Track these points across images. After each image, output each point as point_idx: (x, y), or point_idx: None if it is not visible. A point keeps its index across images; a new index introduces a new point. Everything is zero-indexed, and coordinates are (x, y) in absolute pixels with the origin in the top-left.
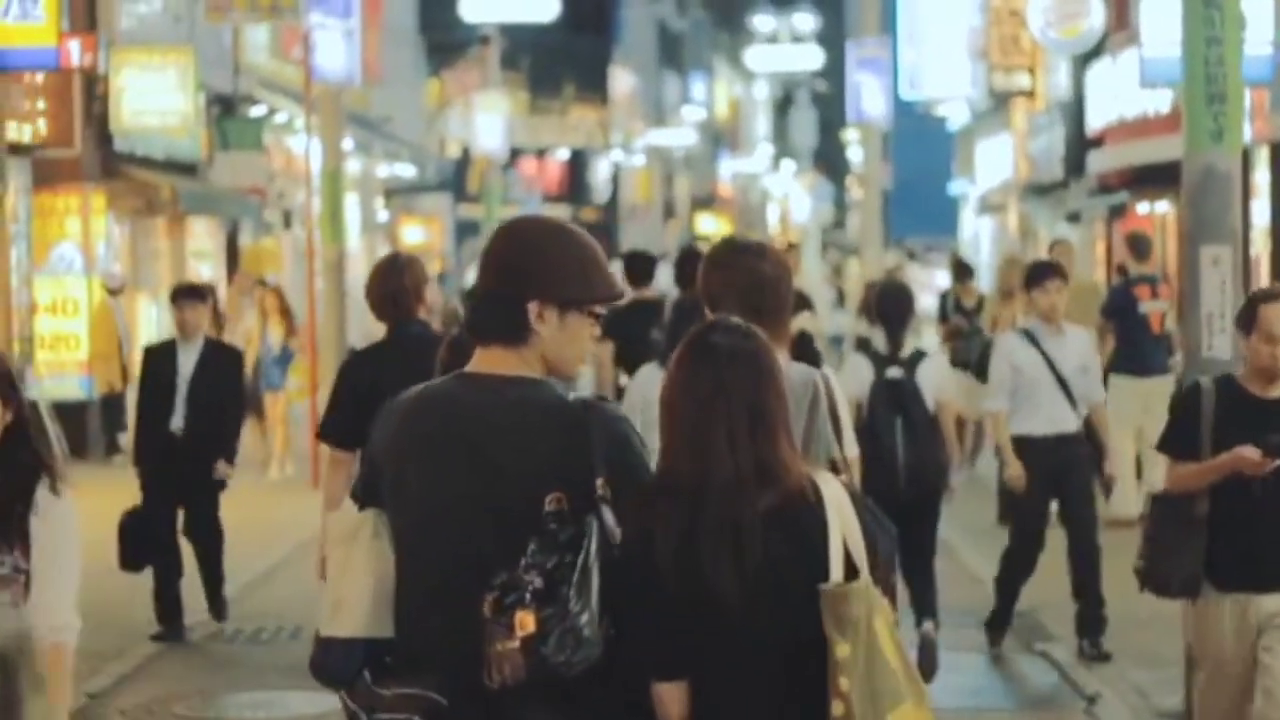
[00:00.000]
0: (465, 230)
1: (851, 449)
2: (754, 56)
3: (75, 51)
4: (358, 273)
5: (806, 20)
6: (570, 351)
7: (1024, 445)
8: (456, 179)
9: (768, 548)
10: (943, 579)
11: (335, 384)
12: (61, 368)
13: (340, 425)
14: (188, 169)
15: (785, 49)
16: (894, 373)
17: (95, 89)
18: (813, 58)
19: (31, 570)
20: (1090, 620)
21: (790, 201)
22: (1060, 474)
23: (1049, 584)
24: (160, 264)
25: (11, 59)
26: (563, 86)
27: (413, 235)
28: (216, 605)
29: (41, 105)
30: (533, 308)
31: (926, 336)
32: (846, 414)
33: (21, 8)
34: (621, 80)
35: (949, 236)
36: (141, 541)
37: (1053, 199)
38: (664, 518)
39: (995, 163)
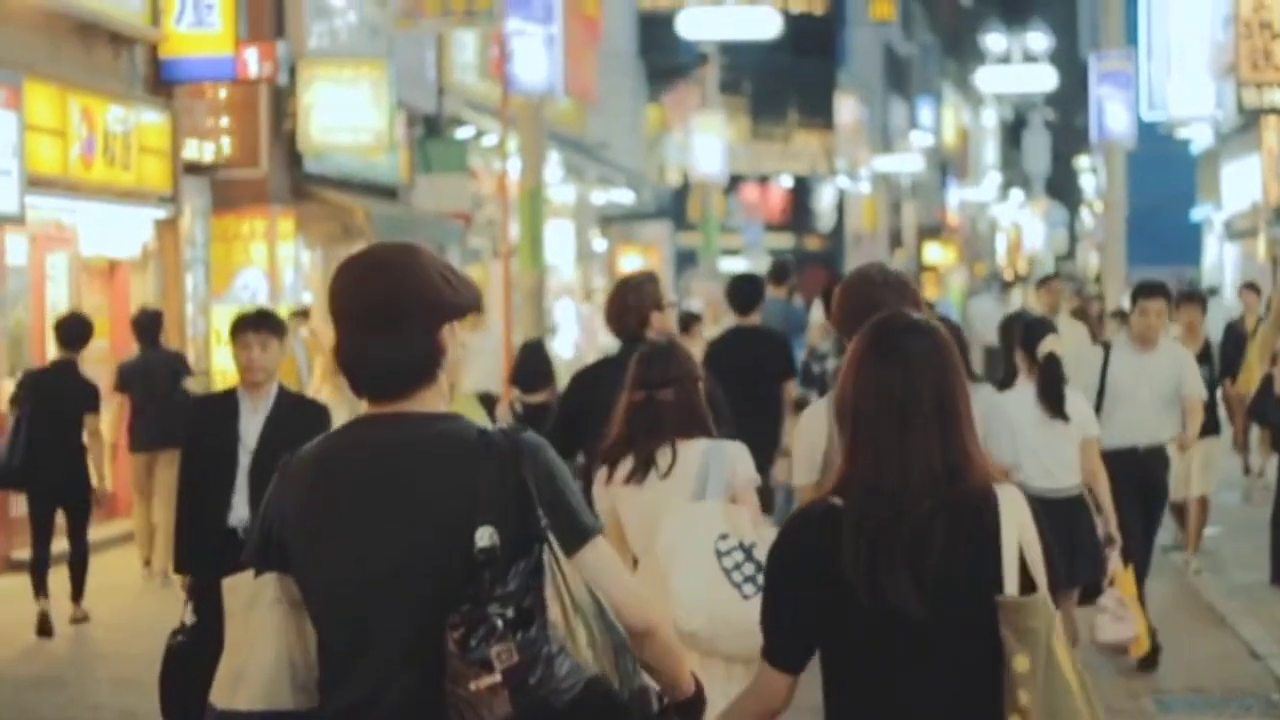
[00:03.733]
0: (685, 259)
1: (1006, 458)
2: (985, 77)
3: (253, 61)
4: (570, 304)
5: (1040, 40)
6: (461, 365)
7: None
8: (676, 207)
9: (947, 550)
10: None
11: (560, 401)
12: None
13: (559, 440)
14: (386, 192)
15: (1018, 69)
16: None
17: (284, 106)
18: (1046, 78)
19: None
20: None
21: (1021, 229)
22: None
23: None
24: None
25: (185, 69)
26: (786, 111)
27: (631, 264)
28: None
29: (225, 122)
30: (446, 332)
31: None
32: (997, 425)
33: (196, 14)
34: (847, 105)
35: (1191, 266)
36: (192, 677)
37: None
38: (853, 510)
39: (1242, 186)
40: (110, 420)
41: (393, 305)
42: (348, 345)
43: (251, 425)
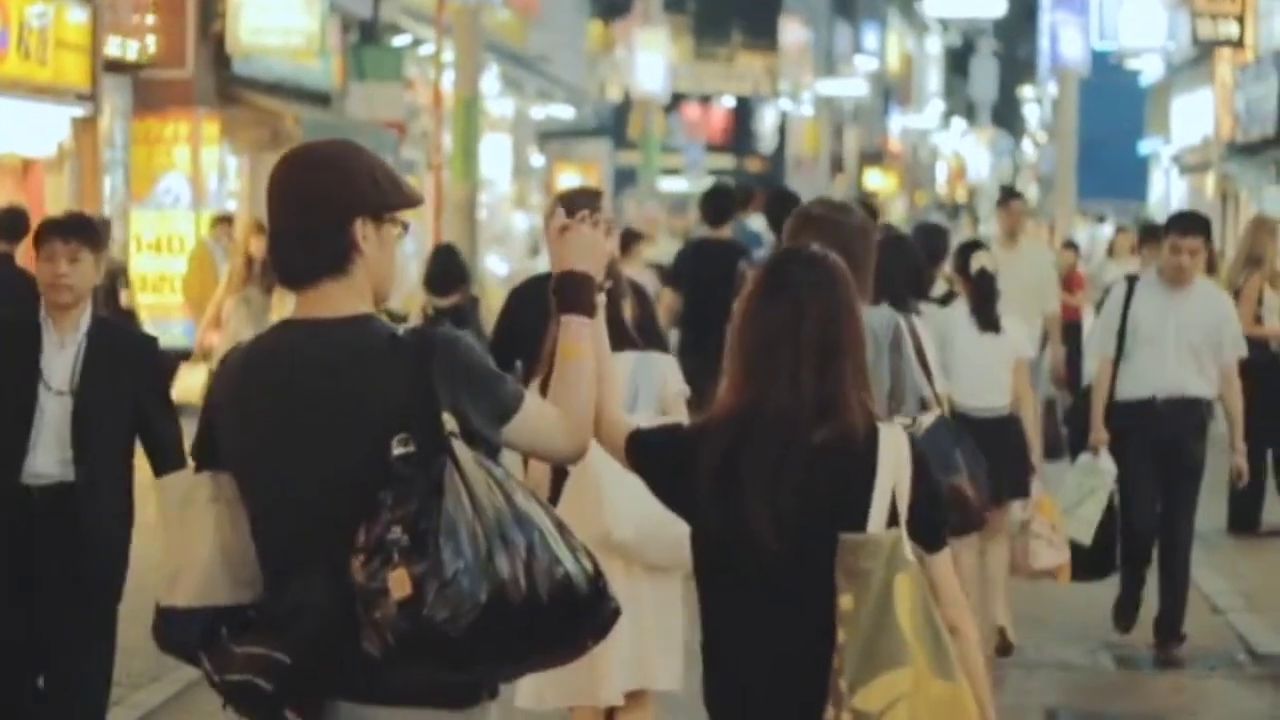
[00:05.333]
0: (624, 178)
1: (941, 385)
2: (933, 1)
3: None
4: (507, 219)
5: None
6: (390, 268)
7: None
8: (616, 124)
9: (810, 486)
10: None
11: (499, 315)
12: (164, 312)
13: (497, 353)
14: (318, 99)
15: None
16: None
17: (213, 6)
18: (996, 4)
19: None
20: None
21: (966, 158)
22: None
23: None
24: None
25: None
26: (730, 31)
27: (569, 181)
28: None
29: (150, 20)
30: (358, 226)
31: None
32: (934, 353)
33: None
34: (791, 26)
35: (1137, 200)
36: None
37: (1261, 159)
38: (709, 447)
39: (1194, 120)
40: None
41: (306, 194)
42: (270, 232)
43: (58, 362)
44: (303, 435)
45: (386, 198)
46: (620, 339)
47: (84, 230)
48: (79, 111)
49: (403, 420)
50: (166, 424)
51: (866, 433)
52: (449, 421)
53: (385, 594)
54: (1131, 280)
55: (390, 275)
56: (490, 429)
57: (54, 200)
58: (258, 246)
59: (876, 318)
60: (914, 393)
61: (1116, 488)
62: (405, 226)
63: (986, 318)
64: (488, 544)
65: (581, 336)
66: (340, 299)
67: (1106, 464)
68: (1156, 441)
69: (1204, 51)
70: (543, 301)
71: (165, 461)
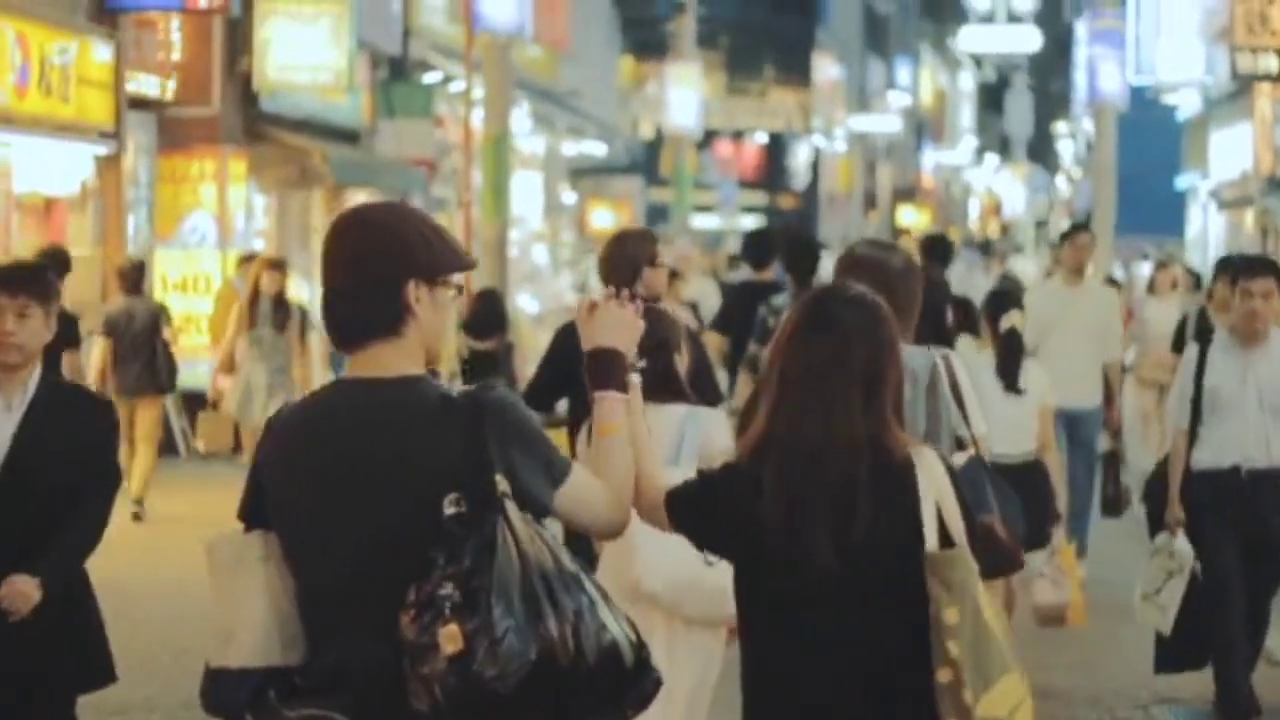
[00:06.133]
0: (656, 215)
1: (979, 427)
2: (968, 37)
3: None
4: (539, 258)
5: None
6: (443, 329)
7: None
8: (648, 161)
9: (866, 515)
10: None
11: (547, 352)
12: (191, 352)
13: (534, 397)
14: (346, 136)
15: (1002, 29)
16: None
17: (240, 42)
18: (1031, 38)
19: None
20: None
21: (1001, 194)
22: None
23: None
24: (316, 240)
25: None
26: (762, 67)
27: (601, 219)
28: None
29: (176, 57)
30: (411, 288)
31: None
32: (971, 393)
33: None
34: (824, 62)
35: (1174, 236)
36: None
37: None
38: (777, 473)
39: (1232, 154)
40: (95, 365)
41: (358, 256)
42: (323, 292)
43: (2, 427)
44: (353, 494)
45: (439, 260)
46: (671, 392)
47: (33, 283)
48: (102, 149)
49: (454, 480)
50: (96, 502)
51: (905, 460)
52: (501, 483)
53: (435, 649)
54: (1204, 342)
55: (443, 336)
56: (541, 494)
57: (77, 239)
58: (269, 283)
59: (917, 358)
60: (949, 433)
61: (1197, 570)
62: (459, 289)
63: (1010, 379)
64: (537, 605)
65: (615, 413)
66: (392, 360)
67: (1183, 546)
68: (1240, 516)
69: (1243, 86)
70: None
71: (74, 540)
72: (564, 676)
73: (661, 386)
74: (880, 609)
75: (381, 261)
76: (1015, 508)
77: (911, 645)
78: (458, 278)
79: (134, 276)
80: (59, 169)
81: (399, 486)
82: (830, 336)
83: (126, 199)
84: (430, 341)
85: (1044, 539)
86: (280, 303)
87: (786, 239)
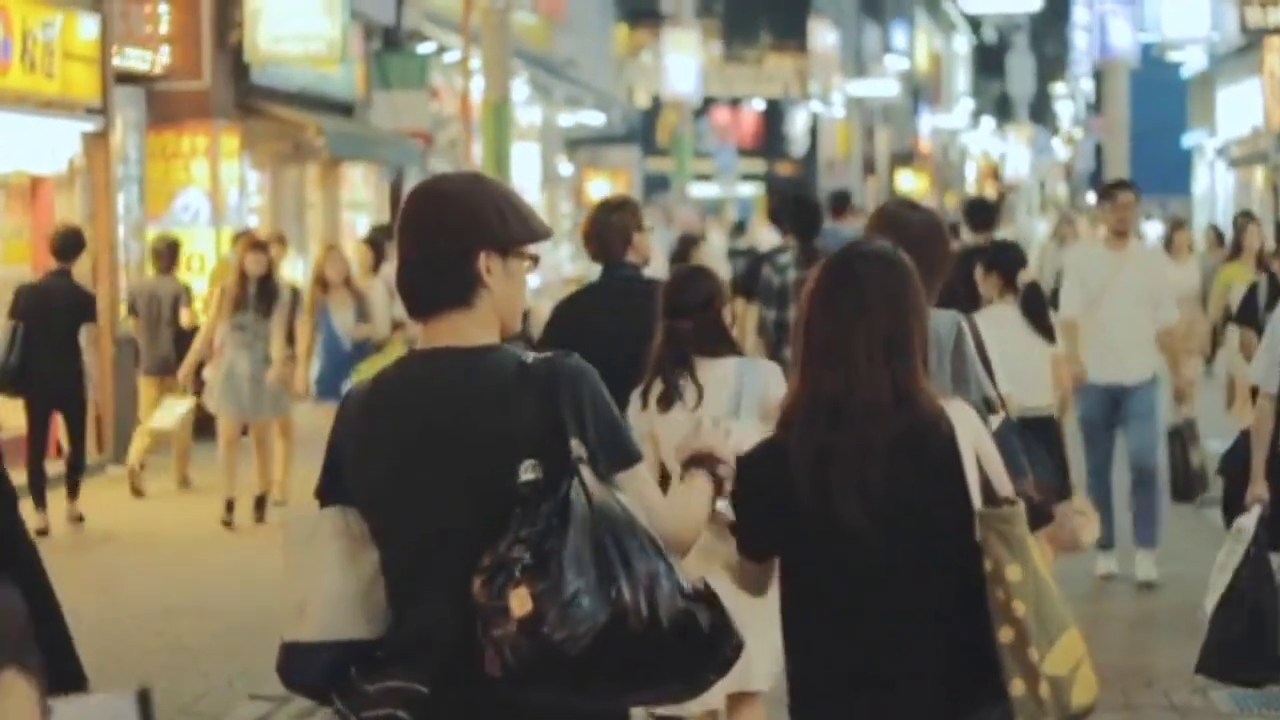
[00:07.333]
0: (654, 185)
1: (1004, 386)
2: None
3: None
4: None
5: None
6: (517, 301)
7: None
8: (645, 131)
9: (896, 473)
10: None
11: (544, 329)
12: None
13: None
14: (340, 108)
15: None
16: None
17: (230, 13)
18: None
19: None
20: None
21: (999, 156)
22: None
23: None
24: (312, 215)
25: None
26: (758, 34)
27: (599, 189)
28: None
29: (164, 30)
30: (482, 259)
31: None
32: (995, 354)
33: None
34: (820, 27)
35: (1181, 194)
36: None
37: None
38: (802, 435)
39: (1241, 111)
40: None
41: (431, 227)
42: (398, 262)
43: None
44: (431, 461)
45: (512, 231)
46: (722, 344)
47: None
48: (89, 126)
49: (532, 446)
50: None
51: (936, 415)
52: (577, 447)
53: (506, 612)
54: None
55: (518, 309)
56: (608, 468)
57: (64, 218)
58: (254, 265)
59: (941, 321)
60: (979, 395)
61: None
62: (535, 260)
63: (1048, 330)
64: (610, 568)
65: (702, 490)
66: (466, 329)
67: (1246, 522)
68: None
69: (1251, 41)
70: (592, 311)
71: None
72: (637, 641)
73: (713, 340)
74: (921, 569)
75: (453, 232)
76: (1046, 469)
77: (956, 604)
78: (534, 249)
79: (169, 256)
80: (45, 147)
81: (477, 454)
82: (850, 294)
83: (116, 177)
84: (504, 313)
85: (1066, 492)
86: (266, 285)
87: (786, 199)
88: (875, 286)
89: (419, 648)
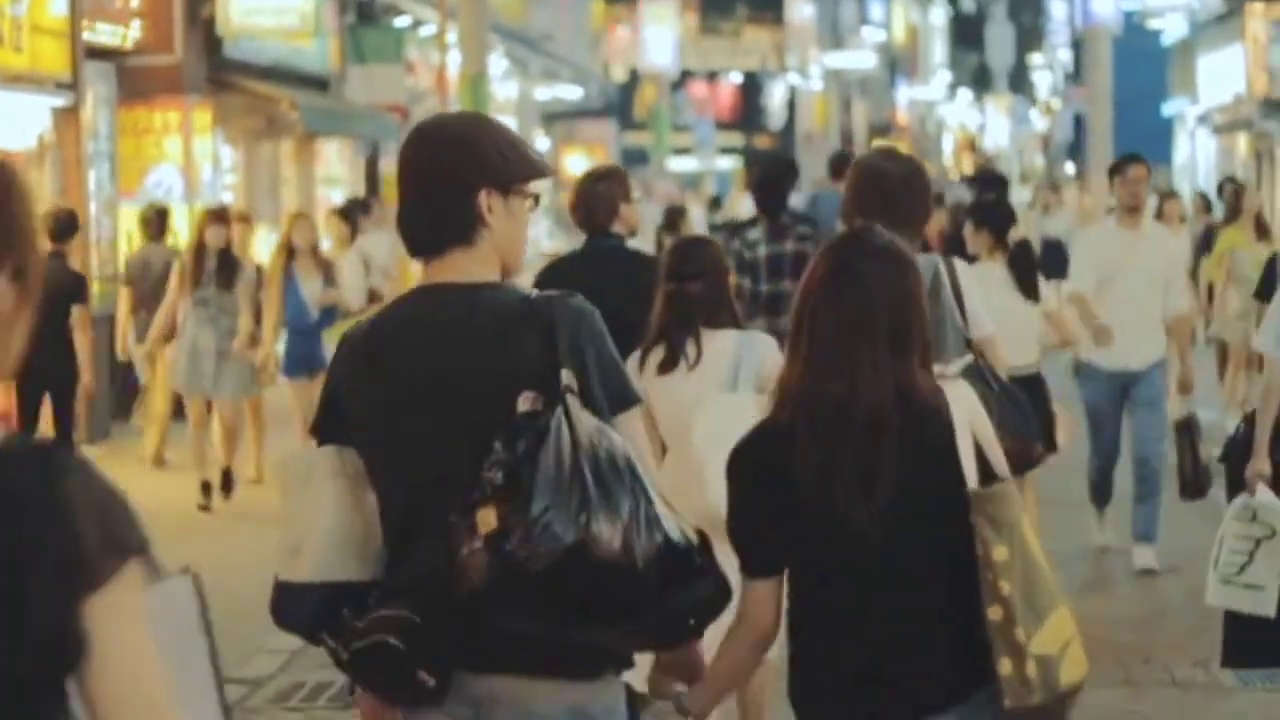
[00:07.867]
0: (631, 158)
1: (985, 329)
2: None
3: None
4: None
5: None
6: (519, 241)
7: None
8: (622, 104)
9: (899, 467)
10: None
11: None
12: None
13: None
14: (315, 83)
15: None
16: None
17: None
18: None
19: None
20: None
21: (984, 126)
22: None
23: None
24: (287, 191)
25: None
26: (735, 6)
27: (576, 164)
28: None
29: (135, 3)
30: (482, 197)
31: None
32: (976, 297)
33: None
34: (797, 0)
35: (1162, 162)
36: None
37: None
38: (806, 443)
39: (1222, 79)
40: (120, 316)
41: (430, 167)
42: (399, 203)
43: None
44: (430, 402)
45: (513, 168)
46: (723, 314)
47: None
48: (59, 101)
49: (532, 381)
50: None
51: (935, 401)
52: (567, 376)
53: (473, 530)
54: None
55: (520, 248)
56: (606, 406)
57: (35, 197)
58: (214, 237)
59: (919, 265)
60: (957, 336)
61: None
62: (536, 198)
63: (1029, 285)
64: (585, 497)
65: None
66: (468, 267)
67: (1266, 498)
68: None
69: (1232, 8)
70: (567, 282)
71: None
72: (608, 572)
73: (715, 311)
74: (926, 566)
75: (452, 170)
76: (1020, 410)
77: (958, 595)
78: (535, 187)
79: (157, 223)
80: (13, 122)
81: (477, 395)
82: (854, 296)
83: (86, 153)
84: (506, 252)
85: (1052, 447)
86: (226, 259)
87: (755, 174)
88: (879, 287)
89: (417, 581)
